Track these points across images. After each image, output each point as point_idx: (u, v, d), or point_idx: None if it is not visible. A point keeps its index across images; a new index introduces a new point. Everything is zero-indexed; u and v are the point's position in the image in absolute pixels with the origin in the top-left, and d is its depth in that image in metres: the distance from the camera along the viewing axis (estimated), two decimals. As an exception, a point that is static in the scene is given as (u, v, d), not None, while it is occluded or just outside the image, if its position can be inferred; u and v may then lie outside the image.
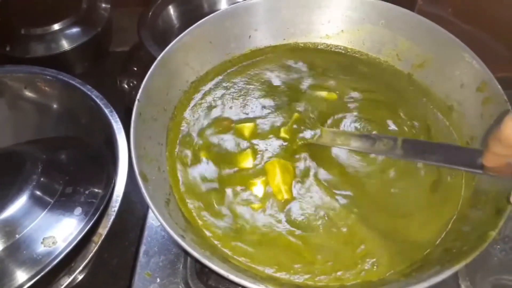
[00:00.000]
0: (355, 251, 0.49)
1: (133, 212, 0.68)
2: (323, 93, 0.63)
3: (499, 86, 0.54)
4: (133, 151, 0.49)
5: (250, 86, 0.64)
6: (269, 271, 0.48)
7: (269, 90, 0.64)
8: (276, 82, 0.65)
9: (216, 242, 0.50)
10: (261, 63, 0.67)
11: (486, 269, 0.55)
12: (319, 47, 0.69)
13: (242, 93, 0.63)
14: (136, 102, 0.52)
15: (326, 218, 0.51)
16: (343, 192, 0.53)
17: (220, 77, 0.65)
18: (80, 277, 0.61)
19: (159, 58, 0.57)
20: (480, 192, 0.51)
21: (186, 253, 0.56)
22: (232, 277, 0.41)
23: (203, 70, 0.64)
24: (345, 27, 0.67)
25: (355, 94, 0.63)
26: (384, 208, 0.52)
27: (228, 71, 0.66)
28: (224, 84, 0.64)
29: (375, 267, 0.48)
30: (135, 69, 0.86)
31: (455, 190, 0.54)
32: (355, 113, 0.60)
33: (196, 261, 0.50)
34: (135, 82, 0.85)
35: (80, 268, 0.55)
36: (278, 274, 0.48)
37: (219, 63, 0.65)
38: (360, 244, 0.49)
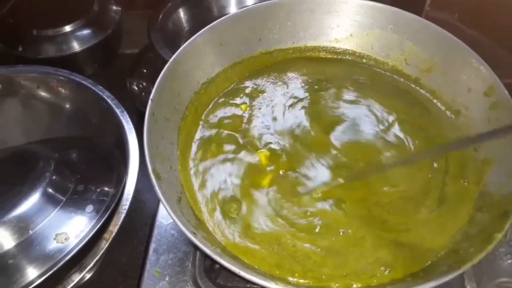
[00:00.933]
0: (367, 257, 0.49)
1: (143, 212, 0.69)
2: None
3: (506, 91, 0.54)
4: (146, 150, 0.50)
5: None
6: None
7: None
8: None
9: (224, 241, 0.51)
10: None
11: (492, 272, 0.56)
12: (328, 56, 0.70)
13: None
14: (150, 102, 0.53)
15: (340, 232, 0.52)
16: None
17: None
18: (90, 274, 0.62)
19: (171, 59, 0.58)
20: (486, 195, 0.52)
21: (198, 249, 0.57)
22: (243, 273, 0.41)
23: (214, 71, 0.65)
24: (354, 32, 0.68)
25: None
26: (396, 216, 0.53)
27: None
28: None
29: (387, 271, 0.48)
30: (145, 71, 0.87)
31: (465, 196, 0.54)
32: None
33: (207, 257, 0.51)
34: (144, 84, 0.86)
35: (91, 265, 0.56)
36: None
37: (229, 65, 0.66)
38: (372, 249, 0.50)
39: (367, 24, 0.67)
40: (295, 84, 0.66)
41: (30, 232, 0.54)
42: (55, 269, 0.51)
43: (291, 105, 0.63)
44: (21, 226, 0.54)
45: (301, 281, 0.47)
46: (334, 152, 0.57)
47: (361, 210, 0.53)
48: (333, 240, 0.51)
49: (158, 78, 0.56)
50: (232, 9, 0.95)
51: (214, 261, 0.48)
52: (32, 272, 0.52)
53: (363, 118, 0.61)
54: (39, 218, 0.55)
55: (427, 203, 0.53)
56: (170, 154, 0.56)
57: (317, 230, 0.51)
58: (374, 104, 0.63)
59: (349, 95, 0.64)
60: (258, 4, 0.67)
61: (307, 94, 0.65)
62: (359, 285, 0.47)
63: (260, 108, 0.63)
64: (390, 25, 0.65)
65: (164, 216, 0.63)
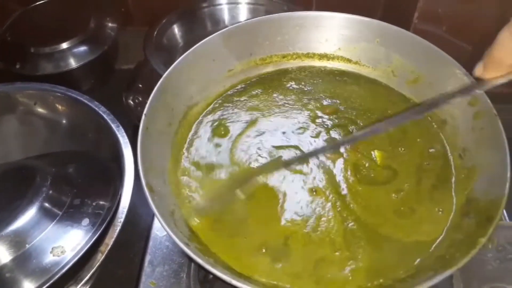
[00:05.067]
0: (346, 258, 0.51)
1: (138, 225, 0.70)
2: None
3: (489, 101, 0.56)
4: (140, 164, 0.51)
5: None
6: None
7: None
8: None
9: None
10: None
11: (481, 277, 0.57)
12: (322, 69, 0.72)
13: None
14: (143, 116, 0.55)
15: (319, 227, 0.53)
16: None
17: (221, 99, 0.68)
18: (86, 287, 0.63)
19: (165, 74, 0.59)
20: (472, 201, 0.53)
21: (191, 260, 0.58)
22: (235, 282, 0.42)
23: (207, 86, 0.66)
24: (341, 45, 0.70)
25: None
26: (382, 217, 0.54)
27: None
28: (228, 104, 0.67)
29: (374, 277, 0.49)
30: (140, 86, 0.89)
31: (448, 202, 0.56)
32: None
33: (201, 268, 0.52)
34: (140, 99, 0.88)
35: (87, 277, 0.57)
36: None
37: (221, 80, 0.68)
38: (356, 251, 0.51)
39: (354, 38, 0.68)
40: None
41: (27, 246, 0.55)
42: (51, 281, 0.52)
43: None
44: (18, 241, 0.55)
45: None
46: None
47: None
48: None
49: (151, 94, 0.57)
50: (226, 24, 0.97)
51: (208, 272, 0.49)
52: (29, 286, 0.53)
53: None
54: (35, 232, 0.56)
55: (413, 210, 0.55)
56: (163, 168, 0.57)
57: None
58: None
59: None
60: (249, 20, 0.69)
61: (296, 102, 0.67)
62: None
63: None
64: (376, 38, 0.67)
65: (159, 228, 0.64)
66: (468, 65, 0.60)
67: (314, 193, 0.56)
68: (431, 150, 0.60)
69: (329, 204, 0.55)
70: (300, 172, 0.58)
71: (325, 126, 0.63)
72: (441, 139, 0.61)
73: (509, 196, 0.49)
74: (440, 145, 0.61)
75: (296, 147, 0.61)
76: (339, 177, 0.58)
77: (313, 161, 0.59)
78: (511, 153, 0.51)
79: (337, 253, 0.51)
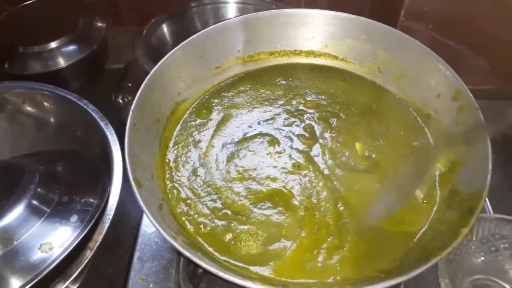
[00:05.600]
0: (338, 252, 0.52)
1: (127, 223, 0.70)
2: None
3: (471, 95, 0.57)
4: (127, 159, 0.51)
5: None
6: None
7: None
8: None
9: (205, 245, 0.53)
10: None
11: (466, 269, 0.58)
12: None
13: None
14: (131, 113, 0.55)
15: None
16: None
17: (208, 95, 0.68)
18: (75, 286, 0.63)
19: (152, 71, 0.60)
20: (455, 193, 0.54)
21: (180, 255, 0.58)
22: (222, 274, 0.43)
23: (195, 83, 0.67)
24: (328, 42, 0.71)
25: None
26: (366, 210, 0.55)
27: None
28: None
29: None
30: (130, 85, 0.89)
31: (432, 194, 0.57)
32: None
33: (190, 263, 0.52)
34: (129, 98, 0.88)
35: (76, 274, 0.57)
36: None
37: (209, 76, 0.69)
38: (342, 243, 0.52)
39: (340, 35, 0.69)
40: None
41: (15, 243, 0.55)
42: (39, 278, 0.52)
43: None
44: (6, 237, 0.55)
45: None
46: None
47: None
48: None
49: (139, 90, 0.58)
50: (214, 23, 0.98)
51: (196, 266, 0.49)
52: (16, 282, 0.53)
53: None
54: (23, 229, 0.56)
55: (397, 202, 0.56)
56: (151, 163, 0.57)
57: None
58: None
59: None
60: (237, 17, 0.70)
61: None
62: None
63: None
64: (362, 35, 0.68)
65: (148, 225, 0.65)
66: (453, 62, 0.62)
67: (297, 167, 0.58)
68: (415, 143, 0.61)
69: (317, 181, 0.57)
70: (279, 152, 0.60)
71: (304, 118, 0.65)
72: (425, 132, 0.62)
73: (493, 189, 0.49)
74: (424, 138, 0.62)
75: (268, 134, 0.63)
76: (318, 159, 0.59)
77: (286, 144, 0.61)
78: (499, 146, 0.53)
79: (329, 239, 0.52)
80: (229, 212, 0.55)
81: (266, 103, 0.67)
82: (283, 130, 0.63)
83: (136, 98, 0.57)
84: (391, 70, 0.68)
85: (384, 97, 0.67)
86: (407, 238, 0.52)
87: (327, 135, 0.62)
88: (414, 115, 0.65)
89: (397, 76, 0.68)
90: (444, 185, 0.56)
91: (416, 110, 0.65)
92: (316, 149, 0.61)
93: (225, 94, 0.68)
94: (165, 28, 0.94)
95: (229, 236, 0.53)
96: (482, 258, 0.58)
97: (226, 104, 0.67)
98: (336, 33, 0.69)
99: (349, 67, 0.71)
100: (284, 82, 0.70)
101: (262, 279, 0.48)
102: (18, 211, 0.57)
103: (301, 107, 0.66)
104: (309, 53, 0.72)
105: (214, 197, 0.56)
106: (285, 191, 0.56)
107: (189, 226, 0.54)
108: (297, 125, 0.64)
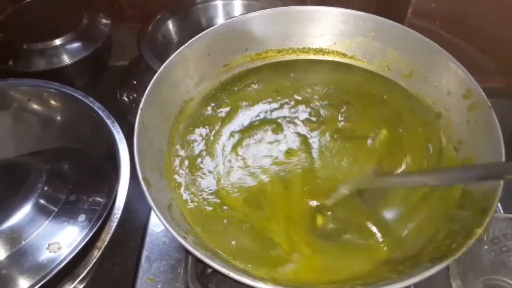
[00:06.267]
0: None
1: (134, 222, 0.70)
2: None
3: (483, 93, 0.57)
4: (136, 158, 0.51)
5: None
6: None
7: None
8: None
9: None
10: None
11: (477, 269, 0.57)
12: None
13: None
14: (139, 111, 0.55)
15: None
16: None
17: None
18: (82, 285, 0.63)
19: (161, 69, 0.59)
20: (467, 193, 0.53)
21: (189, 254, 0.57)
22: (233, 275, 0.42)
23: (202, 81, 0.66)
24: (337, 40, 0.70)
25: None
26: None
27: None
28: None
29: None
30: (135, 82, 0.89)
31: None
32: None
33: (199, 263, 0.52)
34: (134, 95, 0.88)
35: (83, 274, 0.56)
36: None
37: (217, 74, 0.68)
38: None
39: (349, 32, 0.69)
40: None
41: (23, 242, 0.55)
42: (47, 278, 0.51)
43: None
44: (14, 237, 0.55)
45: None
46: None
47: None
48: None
49: (147, 88, 0.57)
50: (220, 20, 0.97)
51: (205, 265, 0.49)
52: (25, 282, 0.53)
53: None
54: (31, 228, 0.56)
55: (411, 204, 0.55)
56: (160, 161, 0.57)
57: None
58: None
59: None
60: (244, 15, 0.69)
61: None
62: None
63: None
64: (371, 32, 0.67)
65: (156, 224, 0.64)
66: (461, 60, 0.61)
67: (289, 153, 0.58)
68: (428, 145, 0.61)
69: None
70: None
71: (312, 105, 0.65)
72: (437, 131, 0.62)
73: (504, 190, 0.49)
74: (435, 137, 0.61)
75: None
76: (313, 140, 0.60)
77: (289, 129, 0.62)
78: (505, 145, 0.52)
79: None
80: (226, 208, 0.55)
81: (274, 94, 0.67)
82: (288, 117, 0.64)
83: (144, 96, 0.56)
84: (400, 68, 0.67)
85: (395, 90, 0.67)
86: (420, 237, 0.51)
87: (336, 120, 0.63)
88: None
89: (407, 74, 0.67)
90: (456, 185, 0.56)
91: (426, 108, 0.64)
92: (317, 133, 0.61)
93: (233, 88, 0.68)
94: (170, 25, 0.94)
95: (229, 236, 0.53)
96: (493, 258, 0.58)
97: (234, 97, 0.66)
98: (345, 31, 0.69)
99: (358, 65, 0.70)
100: (292, 75, 0.69)
101: (272, 280, 0.48)
102: (25, 210, 0.57)
103: (308, 95, 0.66)
104: (318, 51, 0.71)
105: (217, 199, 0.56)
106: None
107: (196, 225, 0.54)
108: (303, 111, 0.64)
